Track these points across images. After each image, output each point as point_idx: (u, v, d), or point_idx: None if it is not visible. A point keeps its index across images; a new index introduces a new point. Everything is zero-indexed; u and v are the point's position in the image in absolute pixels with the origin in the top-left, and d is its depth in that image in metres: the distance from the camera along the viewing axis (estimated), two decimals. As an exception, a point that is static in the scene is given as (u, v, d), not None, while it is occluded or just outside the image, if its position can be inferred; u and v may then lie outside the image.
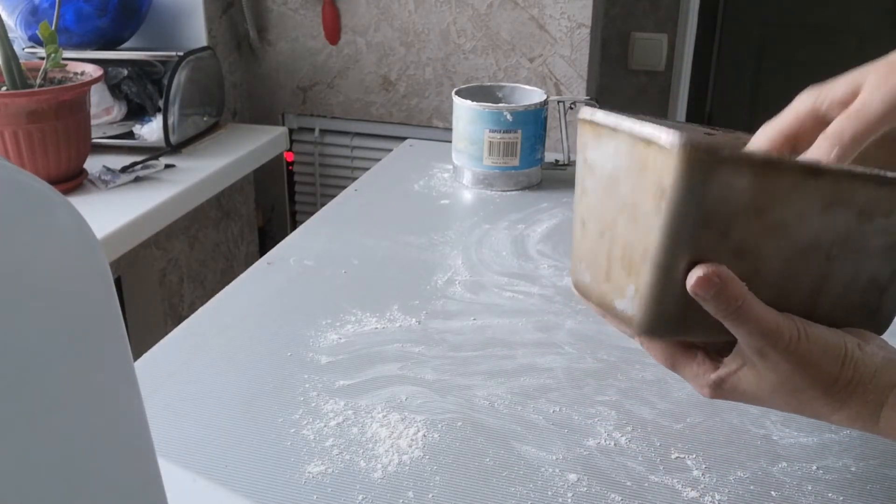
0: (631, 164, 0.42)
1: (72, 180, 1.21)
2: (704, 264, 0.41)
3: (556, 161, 1.07)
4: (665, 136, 0.39)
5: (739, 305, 0.41)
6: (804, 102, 0.49)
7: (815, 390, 0.42)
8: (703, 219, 0.40)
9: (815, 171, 0.41)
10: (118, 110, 1.42)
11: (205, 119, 1.52)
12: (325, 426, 0.58)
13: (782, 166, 0.40)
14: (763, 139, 0.50)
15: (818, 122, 0.48)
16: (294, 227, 1.46)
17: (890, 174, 0.42)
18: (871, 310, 0.46)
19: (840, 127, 0.46)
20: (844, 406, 0.43)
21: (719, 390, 0.45)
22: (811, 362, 0.42)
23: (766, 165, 0.40)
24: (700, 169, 0.39)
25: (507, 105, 0.99)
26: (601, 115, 0.44)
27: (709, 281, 0.40)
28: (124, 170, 1.28)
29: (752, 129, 0.52)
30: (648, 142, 0.40)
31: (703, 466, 0.54)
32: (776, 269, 0.42)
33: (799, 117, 0.49)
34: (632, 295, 0.43)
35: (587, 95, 1.60)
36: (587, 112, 0.45)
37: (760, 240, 0.41)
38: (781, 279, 0.43)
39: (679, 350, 0.46)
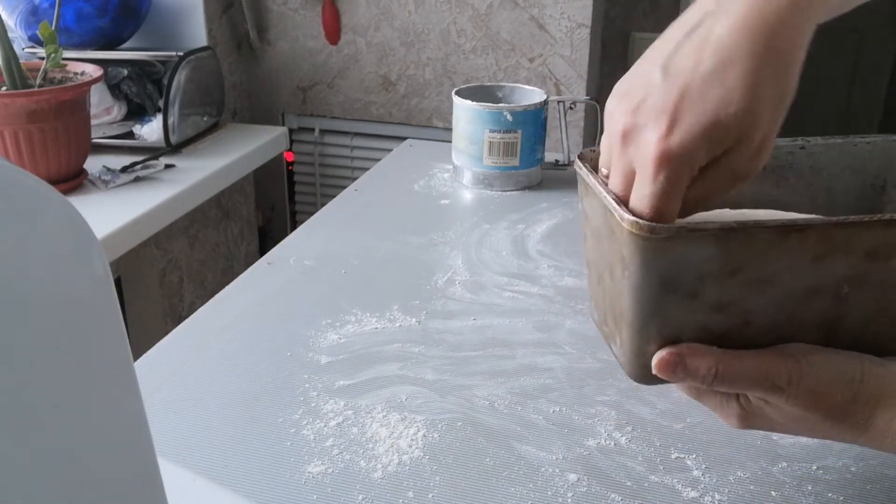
0: (606, 226, 0.42)
1: (72, 180, 1.21)
2: (665, 349, 0.40)
3: (556, 161, 1.07)
4: (620, 212, 0.39)
5: (715, 373, 0.39)
6: None
7: (830, 421, 0.40)
8: (664, 288, 0.39)
9: (793, 230, 0.38)
10: (118, 110, 1.42)
11: (205, 119, 1.52)
12: (325, 426, 0.58)
13: (748, 232, 0.38)
14: None
15: None
16: (294, 227, 1.46)
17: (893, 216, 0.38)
18: None
19: None
20: (869, 426, 0.40)
21: (746, 423, 0.43)
22: (819, 395, 0.39)
23: (728, 233, 0.38)
24: (652, 247, 0.38)
25: (507, 105, 0.99)
26: (584, 172, 0.44)
27: (669, 365, 0.40)
28: (124, 170, 1.28)
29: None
30: (609, 211, 0.40)
31: (703, 466, 0.54)
32: (771, 317, 0.41)
33: None
34: (619, 345, 0.44)
35: (587, 95, 1.60)
36: (578, 162, 0.46)
37: (743, 294, 0.40)
38: (782, 325, 0.41)
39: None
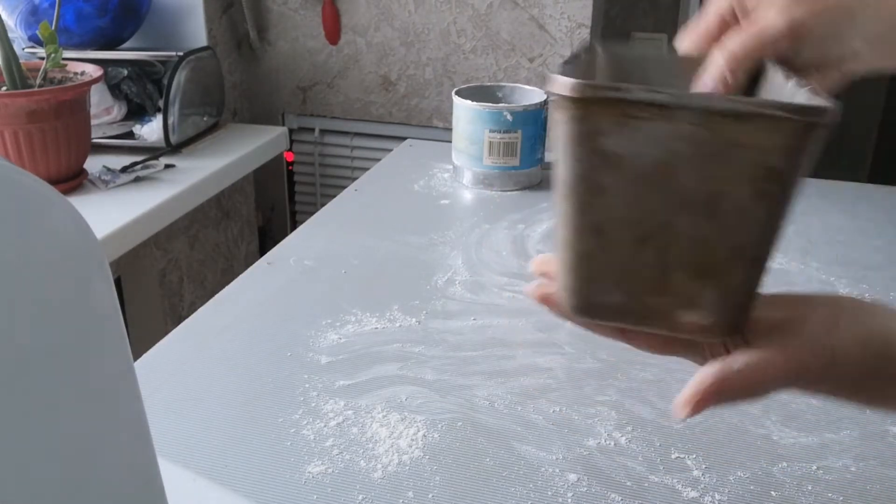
0: (702, 147, 0.33)
1: (72, 180, 1.21)
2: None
3: (556, 161, 1.07)
4: (774, 107, 0.32)
5: None
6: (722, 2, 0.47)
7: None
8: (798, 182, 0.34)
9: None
10: (118, 110, 1.42)
11: (205, 119, 1.52)
12: (325, 426, 0.58)
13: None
14: (688, 42, 0.49)
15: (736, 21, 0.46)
16: (294, 227, 1.46)
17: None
18: None
19: (736, 43, 0.43)
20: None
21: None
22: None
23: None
24: (816, 132, 0.32)
25: (507, 105, 0.99)
26: (637, 91, 0.33)
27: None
28: (124, 170, 1.28)
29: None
30: (741, 116, 0.32)
31: (703, 466, 0.54)
32: None
33: (720, 15, 0.47)
34: (713, 300, 0.35)
35: (587, 95, 1.60)
36: (597, 88, 0.33)
37: None
38: None
39: None
